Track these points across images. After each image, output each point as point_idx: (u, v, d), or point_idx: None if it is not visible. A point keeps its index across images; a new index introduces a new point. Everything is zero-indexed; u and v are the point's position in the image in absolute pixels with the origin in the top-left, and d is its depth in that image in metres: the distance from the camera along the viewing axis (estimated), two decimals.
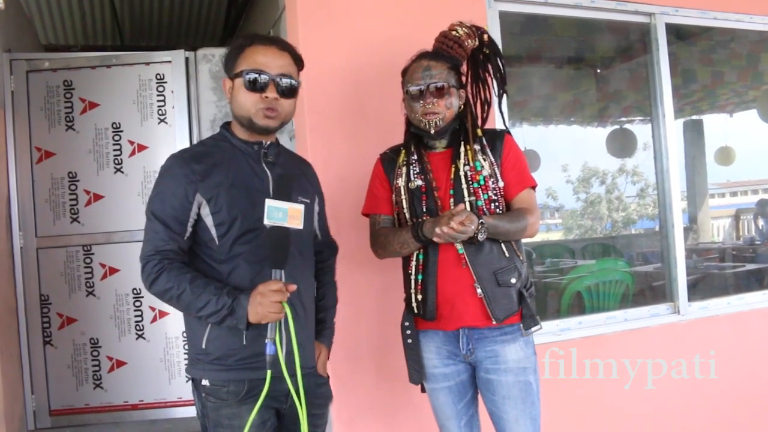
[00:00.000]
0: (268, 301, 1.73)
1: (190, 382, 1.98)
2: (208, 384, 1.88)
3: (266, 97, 1.89)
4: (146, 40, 6.25)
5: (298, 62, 2.00)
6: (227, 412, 1.86)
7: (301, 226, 1.76)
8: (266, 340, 1.74)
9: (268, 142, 1.99)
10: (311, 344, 2.04)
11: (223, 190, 1.87)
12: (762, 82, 5.62)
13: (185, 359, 3.43)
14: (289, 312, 1.76)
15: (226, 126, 2.03)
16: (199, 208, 1.87)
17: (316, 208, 2.16)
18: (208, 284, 1.80)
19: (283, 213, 1.74)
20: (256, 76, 1.89)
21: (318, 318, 2.14)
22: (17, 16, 3.93)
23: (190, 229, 1.87)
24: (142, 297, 3.47)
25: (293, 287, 1.79)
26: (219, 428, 1.88)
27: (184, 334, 3.43)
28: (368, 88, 2.89)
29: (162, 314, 3.48)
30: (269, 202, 1.73)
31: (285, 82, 1.92)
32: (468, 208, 2.16)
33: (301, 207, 1.77)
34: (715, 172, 7.24)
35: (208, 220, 1.87)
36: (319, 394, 2.05)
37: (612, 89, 5.87)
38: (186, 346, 3.43)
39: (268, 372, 1.73)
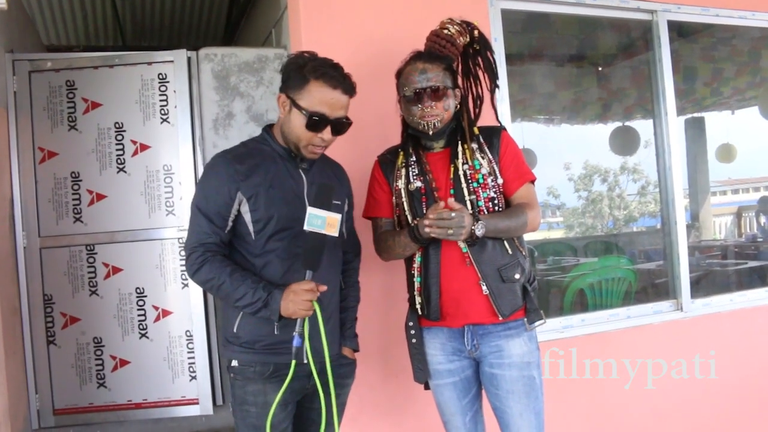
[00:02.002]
0: (300, 299, 1.89)
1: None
2: (236, 365, 2.06)
3: (321, 137, 2.02)
4: (148, 41, 6.26)
5: (353, 95, 2.10)
6: (252, 389, 2.03)
7: (336, 234, 1.90)
8: (294, 333, 1.89)
9: None
10: (333, 335, 2.15)
11: (262, 190, 2.02)
12: (763, 79, 5.61)
13: (189, 358, 3.45)
14: (319, 311, 1.92)
15: (268, 129, 2.17)
16: (239, 205, 2.03)
17: (345, 208, 2.23)
18: (245, 278, 1.97)
19: (322, 221, 1.87)
20: (317, 120, 1.99)
21: (340, 317, 2.25)
22: (19, 16, 3.94)
23: (230, 223, 2.04)
24: (146, 296, 3.47)
25: (324, 288, 1.94)
26: (244, 405, 2.05)
27: (188, 333, 3.46)
28: (371, 87, 2.87)
29: (165, 313, 3.48)
30: (311, 210, 1.87)
31: (342, 123, 2.05)
32: (468, 207, 2.16)
33: (338, 216, 1.89)
34: (717, 170, 7.22)
35: (247, 217, 2.03)
36: (338, 374, 2.13)
37: (614, 87, 5.87)
38: (189, 345, 3.45)
39: (293, 363, 1.89)
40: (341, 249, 2.25)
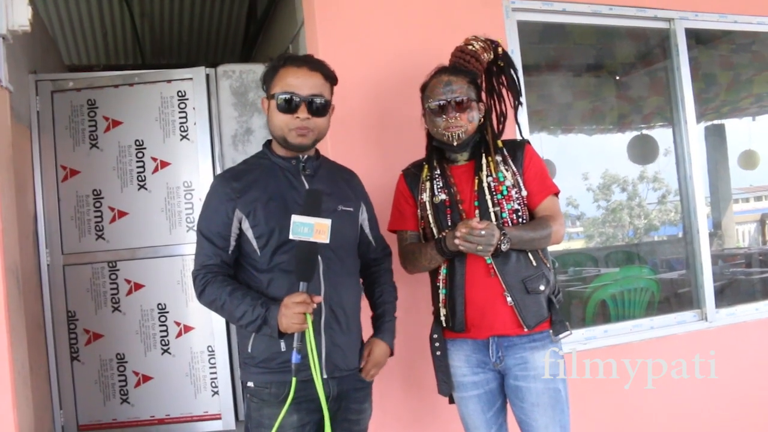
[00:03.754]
0: (291, 313, 1.82)
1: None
2: (252, 386, 2.02)
3: (298, 117, 1.99)
4: (167, 58, 6.33)
5: (331, 79, 2.09)
6: (268, 412, 1.97)
7: (327, 241, 1.83)
8: (293, 349, 1.83)
9: (306, 156, 2.09)
10: (353, 348, 2.09)
11: (260, 204, 1.99)
12: None
13: (211, 373, 3.46)
14: (310, 323, 1.83)
15: (268, 144, 2.15)
16: (240, 223, 2.01)
17: (364, 215, 2.21)
18: (245, 295, 1.93)
19: (309, 228, 1.80)
20: (288, 98, 1.99)
21: (377, 314, 2.21)
22: (42, 38, 4.00)
23: (233, 243, 2.02)
24: (167, 312, 3.49)
25: (318, 299, 1.89)
26: (261, 428, 1.99)
27: (210, 348, 3.48)
28: (389, 101, 2.91)
29: (187, 329, 3.50)
30: (294, 218, 1.80)
31: (316, 102, 2.01)
32: (492, 219, 2.17)
33: (328, 222, 1.82)
34: (739, 177, 7.13)
35: (249, 233, 2.00)
36: (355, 398, 2.09)
37: (632, 96, 5.82)
38: (211, 360, 3.46)
39: (293, 379, 1.83)
40: (358, 257, 2.20)
